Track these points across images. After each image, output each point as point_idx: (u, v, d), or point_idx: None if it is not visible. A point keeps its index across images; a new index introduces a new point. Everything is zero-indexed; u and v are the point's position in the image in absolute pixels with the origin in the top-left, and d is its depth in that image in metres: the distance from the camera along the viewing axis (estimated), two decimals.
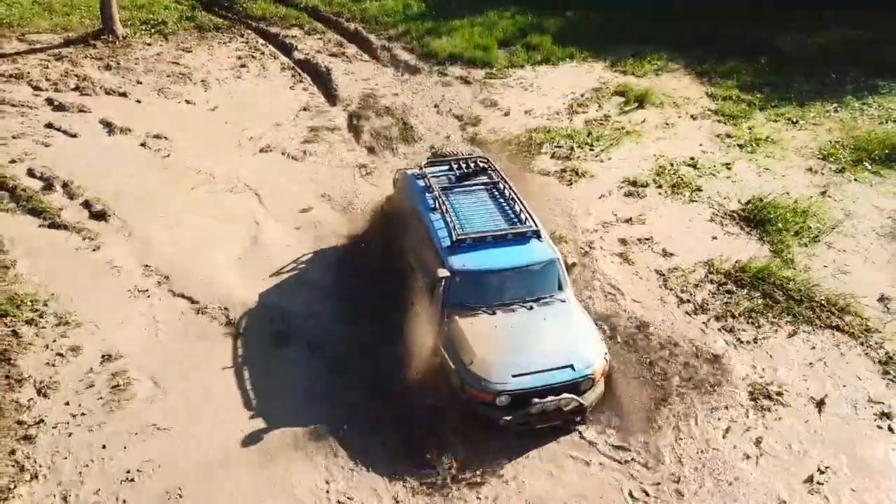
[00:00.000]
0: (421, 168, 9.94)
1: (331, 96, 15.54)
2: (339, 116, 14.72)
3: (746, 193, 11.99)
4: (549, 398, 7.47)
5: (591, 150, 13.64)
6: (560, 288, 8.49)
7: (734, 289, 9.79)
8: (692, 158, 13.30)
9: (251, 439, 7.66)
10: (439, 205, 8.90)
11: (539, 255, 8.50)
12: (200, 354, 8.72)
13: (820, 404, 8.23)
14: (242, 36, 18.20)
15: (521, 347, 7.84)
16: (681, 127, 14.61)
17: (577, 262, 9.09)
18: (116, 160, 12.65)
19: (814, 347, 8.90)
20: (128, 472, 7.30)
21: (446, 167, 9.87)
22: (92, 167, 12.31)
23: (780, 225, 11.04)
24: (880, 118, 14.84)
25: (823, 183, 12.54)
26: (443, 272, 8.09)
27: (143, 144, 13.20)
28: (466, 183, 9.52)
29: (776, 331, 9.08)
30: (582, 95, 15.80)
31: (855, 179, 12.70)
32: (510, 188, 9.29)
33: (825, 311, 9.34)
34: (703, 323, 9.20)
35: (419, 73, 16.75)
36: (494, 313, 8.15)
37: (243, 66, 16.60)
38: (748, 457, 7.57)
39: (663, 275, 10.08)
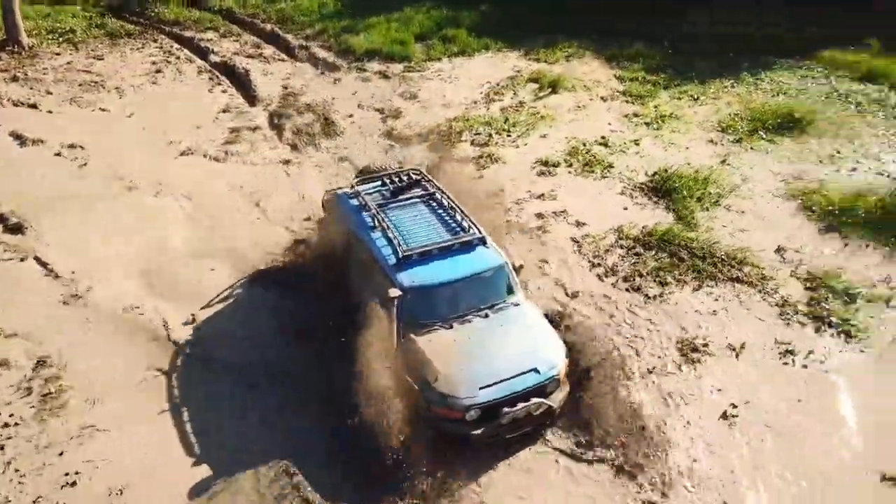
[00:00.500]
0: (352, 186, 9.55)
1: (250, 97, 15.61)
2: (259, 116, 14.83)
3: (653, 167, 12.72)
4: (519, 405, 7.35)
5: (509, 135, 14.18)
6: (512, 292, 8.36)
7: (642, 251, 10.49)
8: (603, 137, 13.99)
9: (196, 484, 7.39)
10: (378, 222, 8.58)
11: (488, 262, 8.31)
12: (136, 360, 8.75)
13: (736, 349, 8.96)
14: (156, 41, 18.02)
15: (484, 358, 7.63)
16: (592, 109, 15.32)
17: (524, 263, 9.14)
18: (30, 172, 12.44)
19: (717, 299, 9.65)
20: (67, 474, 7.37)
21: (378, 183, 9.59)
22: (4, 181, 12.07)
23: (684, 193, 11.80)
24: (773, 91, 15.92)
25: (723, 153, 13.42)
26: (394, 292, 7.72)
27: (58, 154, 13.00)
28: (403, 197, 9.23)
29: (682, 287, 9.79)
30: (498, 84, 16.34)
31: (751, 148, 13.63)
32: (448, 197, 9.04)
33: (726, 265, 10.13)
34: (612, 284, 9.82)
35: (338, 70, 16.99)
36: (451, 327, 7.93)
37: (158, 71, 16.46)
38: (674, 403, 8.18)
39: (577, 242, 10.68)
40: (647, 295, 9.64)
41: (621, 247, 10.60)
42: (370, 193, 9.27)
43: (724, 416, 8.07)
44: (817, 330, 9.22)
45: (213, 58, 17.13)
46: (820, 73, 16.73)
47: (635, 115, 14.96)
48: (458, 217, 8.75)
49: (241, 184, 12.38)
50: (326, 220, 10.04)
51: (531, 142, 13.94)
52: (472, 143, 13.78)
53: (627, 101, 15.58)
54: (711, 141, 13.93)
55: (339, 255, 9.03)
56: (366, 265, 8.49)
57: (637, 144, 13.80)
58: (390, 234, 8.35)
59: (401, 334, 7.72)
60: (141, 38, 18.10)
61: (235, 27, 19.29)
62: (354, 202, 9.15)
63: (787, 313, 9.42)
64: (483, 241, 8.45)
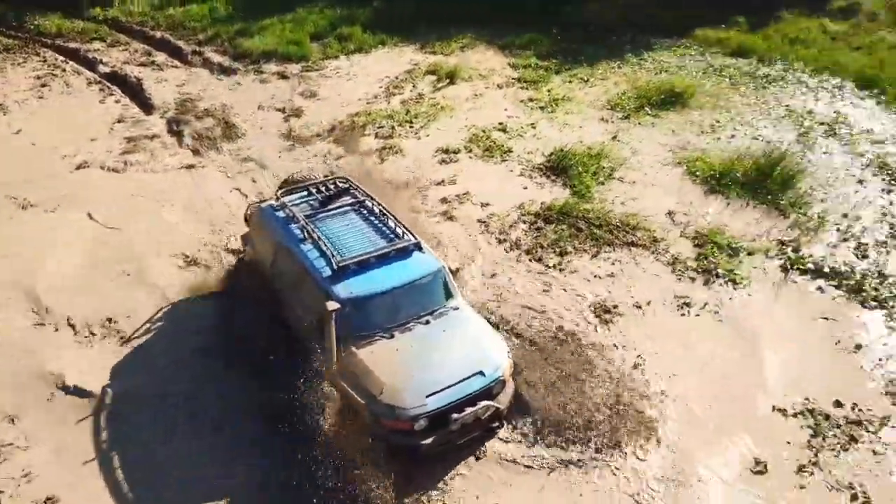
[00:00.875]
0: (277, 198, 9.11)
1: (146, 105, 15.27)
2: (157, 124, 14.54)
3: (549, 147, 13.31)
4: (467, 410, 7.23)
5: (411, 126, 14.51)
6: (451, 296, 8.24)
7: (543, 225, 11.05)
8: (501, 123, 14.53)
9: None
10: (308, 234, 8.29)
11: (425, 268, 8.15)
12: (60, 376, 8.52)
13: (642, 306, 9.63)
14: (38, 55, 17.30)
15: (428, 365, 7.48)
16: (489, 96, 15.86)
17: (461, 266, 9.12)
18: None
19: (614, 263, 10.31)
20: None
21: (304, 193, 9.21)
22: None
23: (579, 169, 12.45)
24: (655, 69, 16.96)
25: (614, 129, 14.21)
26: (332, 304, 7.25)
27: None
28: (332, 206, 8.91)
29: (581, 255, 10.41)
30: (397, 78, 16.65)
31: (639, 123, 14.51)
32: (378, 204, 8.87)
33: (621, 231, 10.83)
34: (516, 257, 10.34)
35: (235, 73, 16.85)
36: (392, 336, 7.73)
37: (44, 85, 15.84)
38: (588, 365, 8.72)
39: (484, 222, 11.14)
40: (547, 265, 10.21)
41: (524, 222, 11.12)
42: (297, 204, 8.90)
43: (635, 366, 8.68)
44: (707, 282, 10.03)
45: (103, 68, 16.63)
46: (696, 51, 17.97)
47: (530, 99, 15.60)
48: (392, 223, 8.57)
49: (143, 193, 12.13)
50: (251, 234, 9.52)
51: (433, 131, 14.31)
52: (376, 136, 14.02)
53: (522, 87, 16.21)
54: (602, 119, 14.72)
55: (268, 270, 8.69)
56: (298, 279, 8.18)
57: (533, 128, 14.41)
58: (322, 246, 8.08)
59: (340, 348, 7.38)
60: (21, 53, 17.33)
61: (123, 36, 18.75)
62: (281, 214, 8.78)
63: (679, 270, 10.21)
64: (419, 247, 8.30)
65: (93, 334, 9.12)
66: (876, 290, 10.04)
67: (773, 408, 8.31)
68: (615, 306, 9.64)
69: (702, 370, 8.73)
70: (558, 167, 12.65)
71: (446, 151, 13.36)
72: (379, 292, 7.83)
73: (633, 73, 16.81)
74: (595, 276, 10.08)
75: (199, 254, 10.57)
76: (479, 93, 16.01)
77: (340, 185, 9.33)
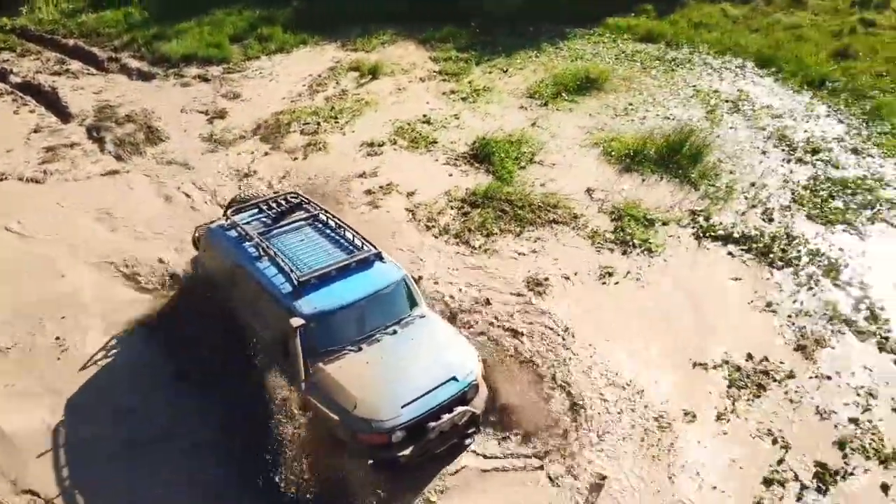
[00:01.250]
0: (227, 217, 8.86)
1: (63, 114, 14.97)
2: (76, 132, 14.28)
3: (472, 136, 13.72)
4: (444, 417, 7.16)
5: (336, 122, 14.70)
6: (415, 304, 8.17)
7: (469, 210, 11.45)
8: (425, 115, 14.86)
9: None
10: (263, 251, 8.09)
11: (388, 277, 8.05)
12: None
13: (570, 277, 10.16)
14: None
15: (400, 375, 7.39)
16: (412, 90, 16.18)
17: (423, 275, 9.21)
18: None
19: (537, 240, 10.81)
20: None
21: (255, 211, 8.96)
22: None
23: (501, 155, 12.90)
24: (571, 57, 17.62)
25: (533, 116, 14.73)
26: (296, 321, 7.23)
27: None
28: (284, 223, 8.71)
29: (506, 235, 10.87)
30: (320, 76, 16.79)
31: (557, 109, 15.09)
32: (333, 217, 8.75)
33: (543, 210, 11.34)
34: (445, 241, 10.71)
35: (154, 77, 16.66)
36: (360, 349, 7.60)
37: None
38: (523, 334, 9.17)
39: (411, 211, 11.46)
40: (472, 246, 10.65)
41: (451, 208, 11.49)
42: (248, 223, 8.65)
43: (566, 329, 9.21)
44: (624, 252, 10.64)
45: (14, 78, 16.21)
46: (608, 38, 18.74)
47: (452, 91, 16.00)
48: (349, 235, 8.44)
49: (66, 202, 11.96)
50: (201, 257, 9.25)
51: (358, 126, 14.53)
52: (302, 132, 14.16)
53: (444, 80, 16.59)
54: (522, 107, 15.24)
55: (221, 292, 8.33)
56: (256, 298, 7.96)
57: (457, 118, 14.80)
58: (280, 262, 7.89)
59: (307, 365, 7.30)
60: None
61: (33, 45, 18.29)
62: (233, 234, 8.54)
63: (599, 242, 10.78)
64: (379, 257, 8.17)
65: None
66: (783, 251, 10.81)
67: (694, 363, 8.92)
68: (546, 279, 10.12)
69: (629, 333, 9.30)
70: (481, 155, 13.07)
71: (371, 145, 13.61)
72: (343, 305, 7.65)
73: (549, 61, 17.42)
74: (520, 254, 10.55)
75: (130, 265, 10.39)
76: (402, 87, 16.31)
77: (292, 200, 9.11)
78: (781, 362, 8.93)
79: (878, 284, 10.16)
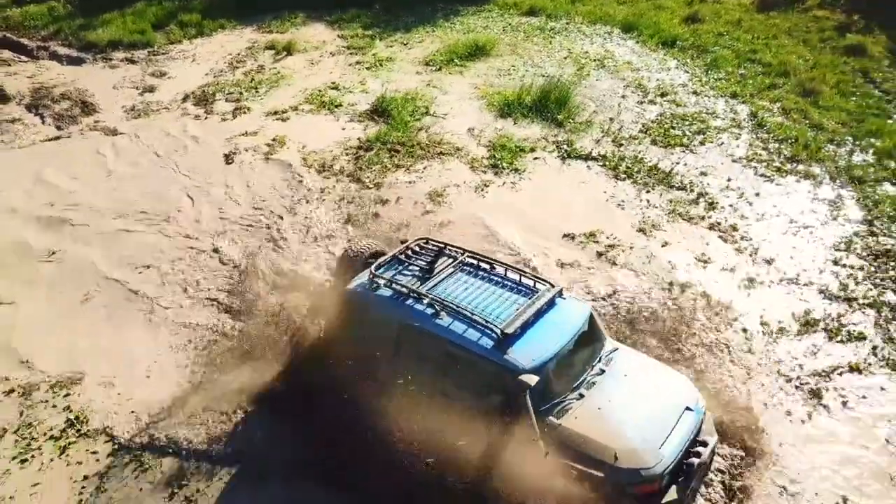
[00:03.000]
0: (373, 278, 7.59)
1: (1, 97, 16.32)
2: (15, 110, 15.77)
3: (374, 98, 15.86)
4: (702, 449, 6.65)
5: (256, 92, 16.62)
6: (603, 337, 7.54)
7: (363, 153, 13.59)
8: (334, 83, 16.92)
9: None
10: (441, 307, 7.12)
11: (581, 313, 7.32)
12: None
13: (480, 188, 12.43)
14: None
15: (639, 416, 6.71)
16: (323, 64, 18.19)
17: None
18: None
19: (426, 168, 13.06)
20: None
21: (396, 264, 7.94)
22: None
23: (398, 110, 15.08)
24: (463, 30, 19.96)
25: (428, 79, 16.99)
26: (530, 378, 6.40)
27: None
28: (437, 272, 7.73)
29: (401, 168, 13.08)
30: (239, 54, 18.64)
31: (449, 73, 17.37)
32: (481, 256, 7.96)
33: (430, 148, 13.60)
34: (338, 179, 12.82)
35: (84, 62, 18.20)
36: (582, 396, 6.84)
37: None
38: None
39: (305, 158, 13.54)
40: (365, 183, 12.83)
41: (346, 154, 13.61)
42: (400, 278, 7.63)
43: (443, 224, 11.47)
44: (497, 173, 12.98)
45: None
46: (497, 14, 21.20)
47: (358, 62, 18.11)
48: (510, 273, 7.68)
49: (11, 166, 13.56)
50: (355, 326, 7.64)
51: (276, 94, 16.48)
52: (226, 100, 16.04)
53: (351, 54, 18.68)
54: (419, 73, 17.46)
55: (384, 364, 7.27)
56: (446, 361, 6.91)
57: (363, 84, 16.89)
58: (469, 315, 6.95)
59: (539, 426, 6.45)
60: None
61: None
62: (386, 293, 7.47)
63: (476, 167, 13.10)
64: (561, 293, 7.45)
65: None
66: (628, 168, 13.32)
67: (564, 235, 11.33)
68: (442, 191, 12.37)
69: (510, 219, 11.58)
70: (380, 111, 15.20)
71: (283, 111, 15.53)
72: (556, 352, 6.81)
73: (444, 35, 19.71)
74: (418, 178, 12.79)
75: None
76: (314, 61, 18.32)
77: (426, 246, 8.22)
78: (630, 241, 11.34)
79: (708, 187, 12.72)
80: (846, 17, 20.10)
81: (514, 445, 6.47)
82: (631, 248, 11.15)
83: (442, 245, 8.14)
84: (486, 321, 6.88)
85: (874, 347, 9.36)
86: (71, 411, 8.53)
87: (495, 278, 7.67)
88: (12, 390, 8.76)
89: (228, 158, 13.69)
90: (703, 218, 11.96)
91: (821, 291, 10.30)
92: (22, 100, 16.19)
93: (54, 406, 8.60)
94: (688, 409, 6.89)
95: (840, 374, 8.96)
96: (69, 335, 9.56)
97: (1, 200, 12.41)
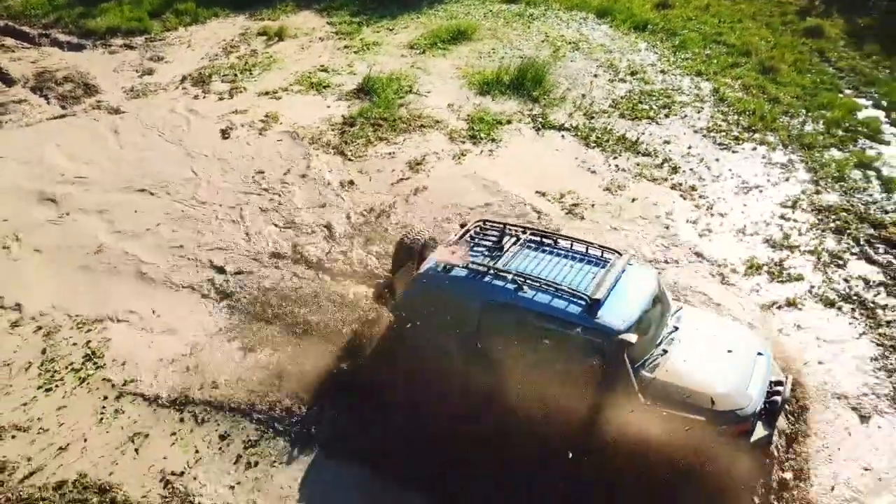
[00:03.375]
0: (443, 267, 7.87)
1: (6, 80, 17.09)
2: (21, 92, 16.63)
3: (353, 78, 16.84)
4: (782, 390, 7.19)
5: (251, 74, 17.56)
6: (667, 297, 8.04)
7: (348, 129, 14.58)
8: (323, 66, 17.88)
9: None
10: (521, 282, 7.43)
11: (651, 276, 7.86)
12: None
13: (458, 157, 13.52)
14: None
15: (722, 363, 7.32)
16: (313, 48, 19.12)
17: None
18: None
19: (405, 140, 14.07)
20: None
21: (465, 244, 8.26)
22: None
23: (383, 89, 16.07)
24: (447, 17, 20.91)
25: (412, 61, 17.99)
26: (629, 337, 6.92)
27: None
28: (506, 250, 8.05)
29: (384, 140, 14.11)
30: (233, 40, 19.56)
31: (433, 56, 18.36)
32: (543, 232, 8.49)
33: (411, 122, 14.63)
34: (326, 153, 13.85)
35: (84, 48, 19.07)
36: (666, 352, 7.36)
37: None
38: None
39: (297, 133, 14.52)
40: (348, 156, 13.84)
41: (332, 130, 14.60)
42: (474, 259, 7.94)
43: (417, 191, 12.53)
44: (475, 143, 14.01)
45: None
46: (479, 1, 22.16)
47: (346, 47, 19.05)
48: (574, 245, 8.12)
49: (24, 141, 14.49)
50: (434, 312, 7.74)
51: (269, 76, 17.43)
52: (222, 81, 16.99)
53: (340, 39, 19.61)
54: (403, 56, 18.45)
55: (468, 345, 7.58)
56: (535, 334, 7.22)
57: (350, 67, 17.83)
58: (555, 286, 7.34)
59: (636, 381, 6.97)
60: None
61: None
62: (462, 274, 7.76)
63: (455, 137, 14.13)
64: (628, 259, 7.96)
65: None
66: (598, 138, 14.35)
67: (537, 192, 12.42)
68: (422, 160, 13.41)
69: (489, 182, 12.76)
70: (366, 90, 16.18)
71: (275, 91, 16.49)
72: (641, 313, 7.30)
73: (429, 21, 20.67)
74: (398, 149, 13.80)
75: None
76: (304, 46, 19.26)
77: (486, 227, 8.59)
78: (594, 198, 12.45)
79: (671, 154, 13.79)
80: (808, 2, 21.26)
81: (616, 402, 6.91)
82: (594, 204, 12.31)
83: (502, 225, 8.49)
84: (573, 290, 7.27)
85: (811, 286, 10.47)
86: (89, 348, 9.54)
87: (562, 251, 8.05)
88: (39, 328, 9.78)
89: (225, 133, 14.64)
90: (665, 179, 13.04)
91: (766, 240, 11.41)
92: (27, 82, 17.06)
93: (74, 343, 9.59)
94: (759, 353, 7.60)
95: (779, 307, 10.08)
96: (86, 283, 10.57)
97: (13, 171, 13.34)
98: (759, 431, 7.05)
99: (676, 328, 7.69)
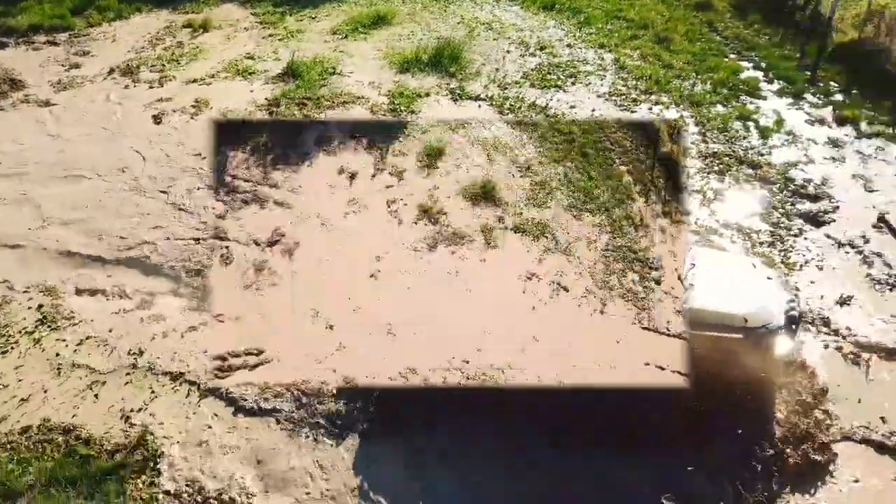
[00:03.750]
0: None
1: None
2: None
3: (278, 64, 17.61)
4: (793, 304, 8.70)
5: (178, 64, 18.11)
6: None
7: (274, 109, 15.38)
8: (249, 54, 18.58)
9: None
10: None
11: None
12: None
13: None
14: None
15: (743, 288, 8.65)
16: (238, 38, 19.76)
17: None
18: None
19: (330, 116, 15.04)
20: None
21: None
22: None
23: (307, 71, 16.90)
24: (367, 4, 21.86)
25: (335, 46, 18.87)
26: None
27: None
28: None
29: (305, 118, 15.02)
30: (158, 33, 20.02)
31: (355, 40, 19.29)
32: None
33: (334, 99, 15.56)
34: None
35: (6, 46, 19.18)
36: (692, 285, 8.86)
37: None
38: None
39: (226, 116, 15.27)
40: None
41: (259, 110, 15.37)
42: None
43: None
44: (396, 115, 15.05)
45: None
46: None
47: (270, 35, 19.77)
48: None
49: None
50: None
51: (196, 66, 18.04)
52: (151, 71, 17.51)
53: (264, 28, 20.32)
54: (326, 41, 19.32)
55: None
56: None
57: (275, 53, 18.57)
58: None
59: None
60: None
61: None
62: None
63: (376, 111, 15.13)
64: None
65: None
66: (511, 106, 15.59)
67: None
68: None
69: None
70: (291, 73, 16.99)
71: (204, 78, 17.14)
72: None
73: (350, 9, 21.58)
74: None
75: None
76: (230, 36, 19.88)
77: None
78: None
79: (576, 116, 15.14)
80: None
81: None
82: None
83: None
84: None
85: (696, 220, 11.95)
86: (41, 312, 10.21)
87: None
88: None
89: (157, 119, 15.26)
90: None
91: None
92: None
93: (29, 308, 10.23)
94: (768, 277, 8.96)
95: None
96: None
97: None
98: (787, 342, 8.36)
99: (694, 265, 8.97)
